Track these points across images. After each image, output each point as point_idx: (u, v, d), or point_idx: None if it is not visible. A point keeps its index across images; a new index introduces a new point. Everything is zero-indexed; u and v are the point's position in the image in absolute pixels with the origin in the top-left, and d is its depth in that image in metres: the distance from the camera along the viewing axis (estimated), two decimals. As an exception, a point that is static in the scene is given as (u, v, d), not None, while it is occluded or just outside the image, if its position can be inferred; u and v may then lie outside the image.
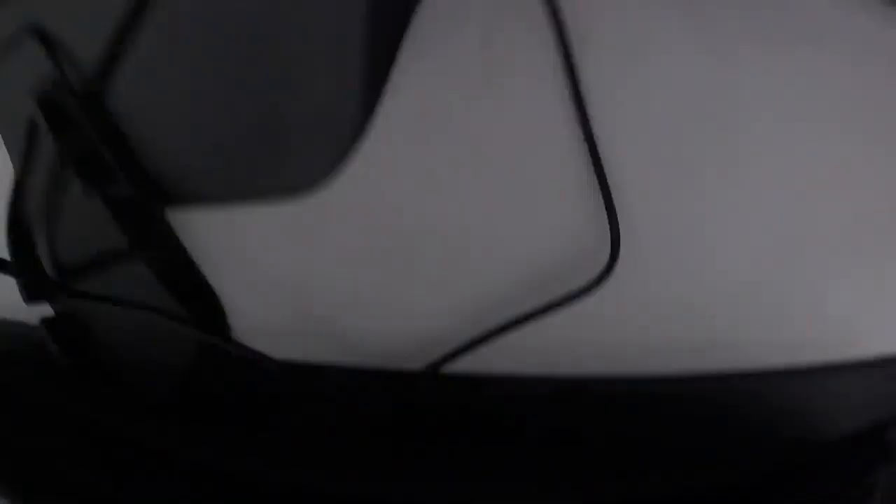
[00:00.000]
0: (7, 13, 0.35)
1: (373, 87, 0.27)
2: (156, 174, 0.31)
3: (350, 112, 0.27)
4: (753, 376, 0.28)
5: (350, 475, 0.31)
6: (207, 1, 0.27)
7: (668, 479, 0.29)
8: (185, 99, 0.30)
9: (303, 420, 0.32)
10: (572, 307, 0.27)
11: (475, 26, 0.28)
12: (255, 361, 0.30)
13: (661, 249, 0.29)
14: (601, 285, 0.28)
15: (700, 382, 0.28)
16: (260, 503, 0.32)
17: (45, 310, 0.37)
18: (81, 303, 0.35)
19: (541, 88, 0.29)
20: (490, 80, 0.29)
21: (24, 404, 0.39)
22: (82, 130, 0.32)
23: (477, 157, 0.28)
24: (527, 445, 0.30)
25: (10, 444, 0.36)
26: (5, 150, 0.37)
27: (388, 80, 0.28)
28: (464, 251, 0.28)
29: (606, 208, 0.29)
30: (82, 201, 0.32)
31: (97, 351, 0.36)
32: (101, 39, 0.30)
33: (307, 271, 0.30)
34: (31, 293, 0.36)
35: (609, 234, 0.28)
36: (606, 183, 0.29)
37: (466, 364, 0.28)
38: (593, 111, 0.29)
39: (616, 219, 0.28)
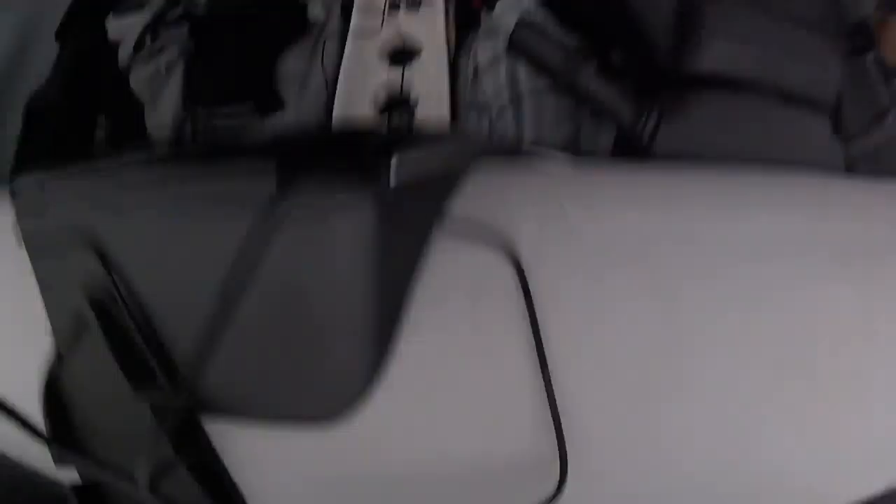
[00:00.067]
0: (65, 217, 0.40)
1: (381, 349, 0.35)
2: (194, 385, 0.37)
3: (362, 366, 0.35)
4: None
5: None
6: (261, 281, 0.34)
7: None
8: (229, 336, 0.36)
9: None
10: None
11: (462, 301, 0.37)
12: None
13: (608, 472, 0.38)
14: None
15: None
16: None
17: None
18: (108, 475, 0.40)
19: (510, 345, 0.37)
20: (473, 342, 0.37)
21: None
22: (129, 334, 0.38)
23: (460, 407, 0.36)
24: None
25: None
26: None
27: (394, 344, 0.35)
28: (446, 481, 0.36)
29: (557, 438, 0.37)
30: (122, 396, 0.38)
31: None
32: (159, 282, 0.36)
33: (325, 488, 0.37)
34: (61, 457, 0.41)
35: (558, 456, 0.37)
36: (558, 416, 0.37)
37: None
38: (553, 356, 0.37)
39: (563, 443, 0.37)
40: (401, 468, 0.36)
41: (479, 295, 0.36)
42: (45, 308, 0.43)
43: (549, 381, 0.37)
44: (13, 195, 0.40)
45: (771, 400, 0.38)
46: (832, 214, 0.41)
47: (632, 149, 0.45)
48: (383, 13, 0.75)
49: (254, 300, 0.35)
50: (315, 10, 0.92)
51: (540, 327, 0.37)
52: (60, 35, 0.88)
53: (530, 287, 0.36)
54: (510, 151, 0.41)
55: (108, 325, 0.39)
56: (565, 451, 0.37)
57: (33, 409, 0.41)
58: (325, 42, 0.80)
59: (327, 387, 0.35)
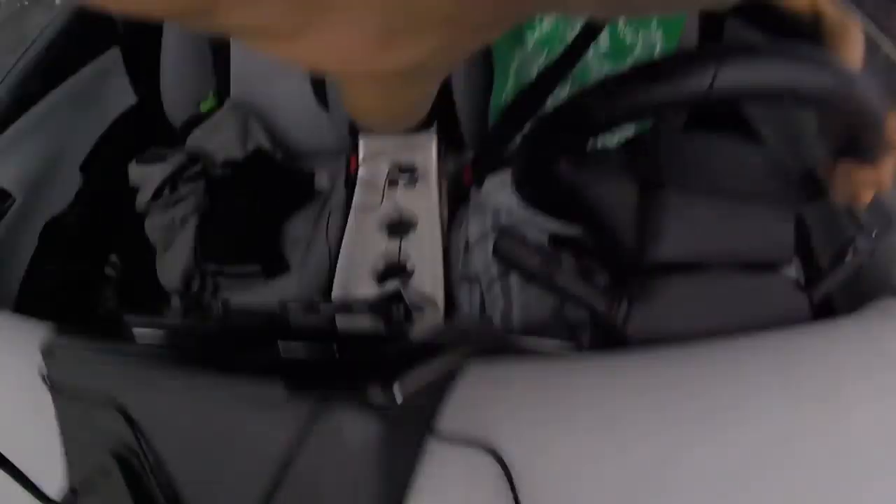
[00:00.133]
0: (95, 382, 0.44)
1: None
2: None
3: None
4: None
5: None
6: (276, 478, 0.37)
7: None
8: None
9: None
10: None
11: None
12: None
13: None
14: None
15: None
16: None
17: None
18: None
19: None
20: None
21: None
22: (149, 490, 0.40)
23: None
24: None
25: None
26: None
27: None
28: None
29: None
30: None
31: None
32: (181, 452, 0.39)
33: None
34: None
35: None
36: None
37: None
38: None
39: None
40: None
41: (468, 496, 0.39)
42: (64, 446, 0.45)
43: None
44: (46, 351, 0.44)
45: None
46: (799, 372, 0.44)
47: (608, 334, 0.49)
48: (383, 189, 0.84)
49: (269, 491, 0.37)
50: (322, 180, 1.03)
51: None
52: (84, 169, 0.96)
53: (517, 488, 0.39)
54: (501, 348, 0.45)
55: (130, 479, 0.41)
56: None
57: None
58: (329, 213, 0.88)
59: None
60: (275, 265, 0.91)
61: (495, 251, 0.45)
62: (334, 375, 0.36)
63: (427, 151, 0.87)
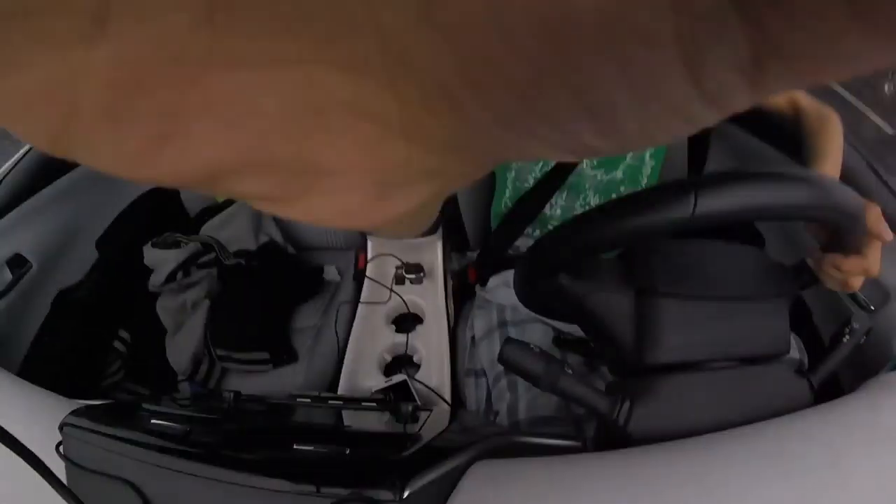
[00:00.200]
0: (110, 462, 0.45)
1: None
2: None
3: None
4: None
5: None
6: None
7: None
8: None
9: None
10: None
11: None
12: None
13: None
14: None
15: None
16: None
17: None
18: None
19: None
20: None
21: None
22: None
23: None
24: None
25: None
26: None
27: None
28: None
29: None
30: None
31: None
32: None
33: None
34: None
35: None
36: None
37: None
38: None
39: None
40: None
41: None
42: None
43: None
44: (64, 427, 0.46)
45: None
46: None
47: (611, 434, 0.50)
48: (391, 286, 0.87)
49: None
50: (331, 273, 1.06)
51: None
52: (101, 245, 1.00)
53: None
54: (507, 447, 0.46)
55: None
56: None
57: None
58: (339, 307, 0.91)
59: None
60: (283, 354, 0.92)
61: (500, 358, 0.47)
62: (344, 474, 0.37)
63: (433, 252, 0.91)
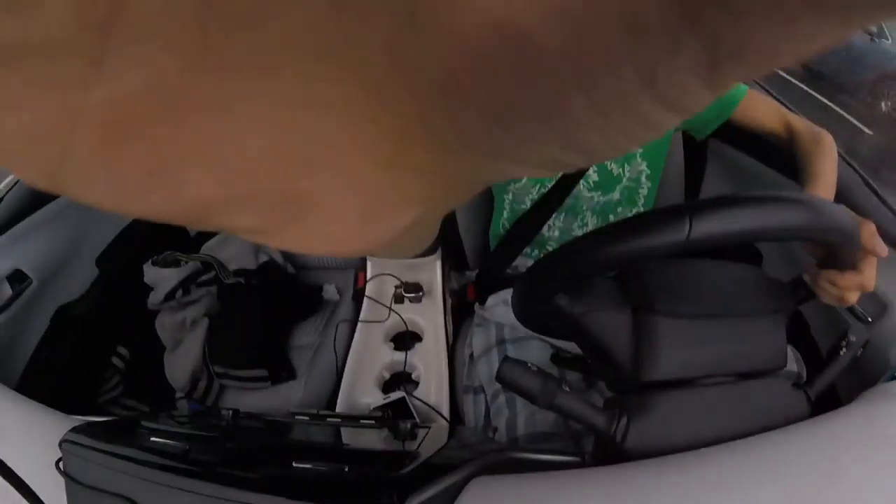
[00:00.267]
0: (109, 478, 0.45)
1: None
2: None
3: None
4: None
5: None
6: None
7: None
8: None
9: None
10: None
11: None
12: None
13: None
14: None
15: None
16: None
17: None
18: None
19: None
20: None
21: None
22: None
23: None
24: None
25: None
26: None
27: None
28: None
29: None
30: None
31: None
32: None
33: None
34: None
35: None
36: None
37: None
38: None
39: None
40: None
41: None
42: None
43: None
44: (64, 444, 0.46)
45: None
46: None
47: (609, 450, 0.50)
48: (390, 304, 0.87)
49: None
50: (330, 292, 1.07)
51: None
52: (101, 262, 1.01)
53: None
54: (505, 463, 0.46)
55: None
56: None
57: None
58: (338, 325, 0.92)
59: None
60: (281, 371, 0.92)
61: (498, 377, 0.47)
62: (343, 492, 0.37)
63: (433, 272, 0.91)
